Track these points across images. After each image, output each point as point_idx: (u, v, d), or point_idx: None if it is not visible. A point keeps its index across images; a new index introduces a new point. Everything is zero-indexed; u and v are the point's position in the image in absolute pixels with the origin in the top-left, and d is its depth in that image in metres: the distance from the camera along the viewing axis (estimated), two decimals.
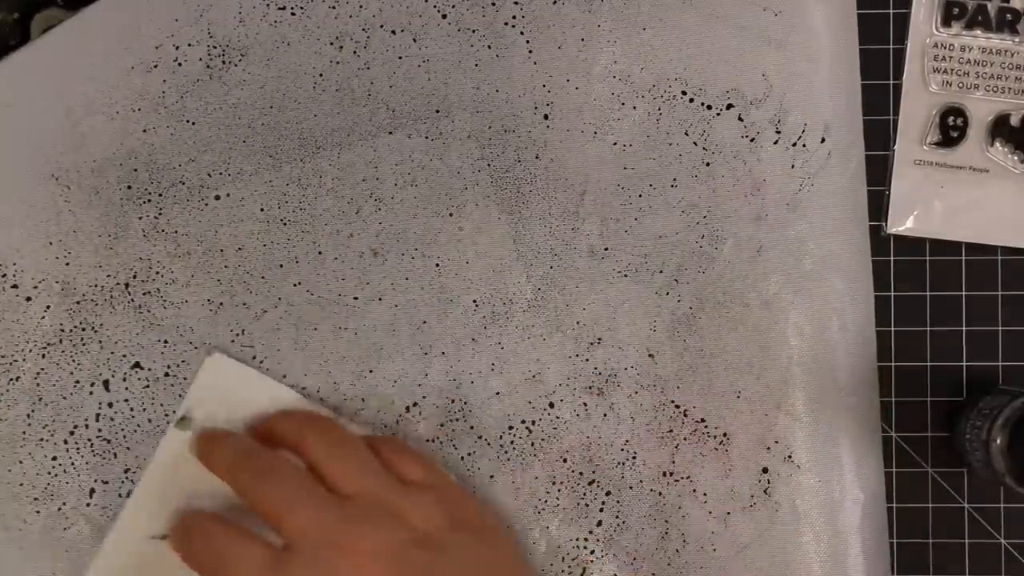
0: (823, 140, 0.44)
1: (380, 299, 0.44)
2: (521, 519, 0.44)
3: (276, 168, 0.44)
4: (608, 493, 0.44)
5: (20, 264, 0.43)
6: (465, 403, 0.44)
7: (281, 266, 0.44)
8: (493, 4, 0.44)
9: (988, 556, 0.44)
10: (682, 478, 0.44)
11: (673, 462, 0.44)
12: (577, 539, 0.44)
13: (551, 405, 0.44)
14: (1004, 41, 0.44)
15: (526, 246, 0.44)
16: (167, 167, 0.44)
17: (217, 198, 0.44)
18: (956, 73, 0.44)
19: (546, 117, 0.44)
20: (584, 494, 0.44)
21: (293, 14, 0.44)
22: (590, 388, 0.44)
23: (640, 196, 0.44)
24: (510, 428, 0.44)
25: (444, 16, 0.44)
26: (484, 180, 0.44)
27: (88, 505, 0.43)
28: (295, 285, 0.44)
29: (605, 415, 0.44)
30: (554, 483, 0.44)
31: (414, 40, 0.44)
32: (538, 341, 0.44)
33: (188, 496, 0.41)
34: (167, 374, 0.43)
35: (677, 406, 0.44)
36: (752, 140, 0.44)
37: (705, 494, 0.44)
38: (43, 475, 0.43)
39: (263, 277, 0.44)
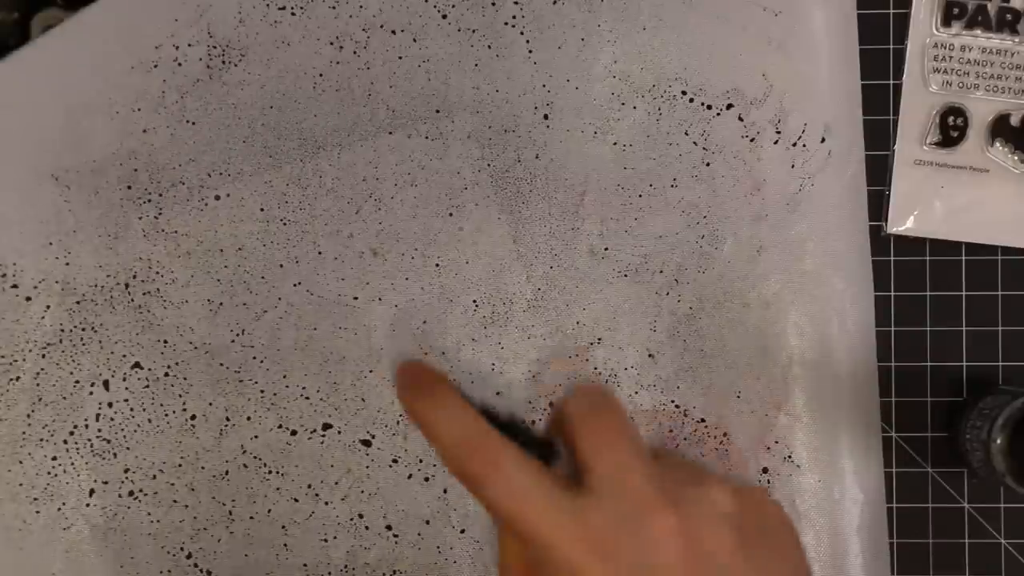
0: (823, 140, 0.44)
1: (380, 299, 0.44)
2: None
3: (276, 168, 0.44)
4: None
5: (20, 264, 0.43)
6: None
7: (281, 266, 0.44)
8: (493, 4, 0.44)
9: (988, 556, 0.44)
10: None
11: None
12: None
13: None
14: (1004, 41, 0.44)
15: (526, 246, 0.44)
16: (167, 167, 0.44)
17: (217, 198, 0.44)
18: (956, 73, 0.44)
19: (546, 117, 0.44)
20: None
21: (293, 14, 0.44)
22: None
23: (640, 196, 0.44)
24: None
25: (444, 16, 0.44)
26: (484, 180, 0.44)
27: (88, 505, 0.43)
28: (295, 285, 0.44)
29: None
30: None
31: (414, 40, 0.44)
32: (538, 341, 0.44)
33: None
34: (167, 374, 0.43)
35: (677, 406, 0.44)
36: (752, 140, 0.44)
37: None
38: (43, 475, 0.43)
39: (263, 277, 0.44)
